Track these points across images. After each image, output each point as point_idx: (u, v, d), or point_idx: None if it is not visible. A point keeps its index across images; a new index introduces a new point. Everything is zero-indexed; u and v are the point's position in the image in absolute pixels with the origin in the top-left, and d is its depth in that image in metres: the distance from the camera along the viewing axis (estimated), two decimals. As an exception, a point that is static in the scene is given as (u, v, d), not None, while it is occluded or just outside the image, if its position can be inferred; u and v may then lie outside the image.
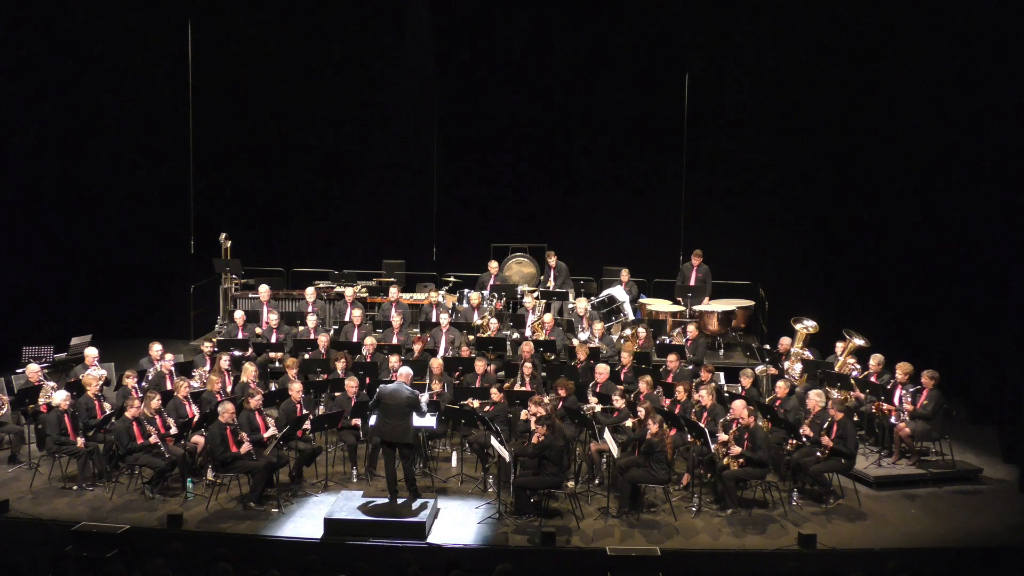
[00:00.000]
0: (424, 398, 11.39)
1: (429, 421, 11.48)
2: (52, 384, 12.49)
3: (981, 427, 13.72)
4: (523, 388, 12.67)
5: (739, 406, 11.07)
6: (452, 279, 16.76)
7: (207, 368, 13.38)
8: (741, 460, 10.96)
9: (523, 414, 11.66)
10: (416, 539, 10.22)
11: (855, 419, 12.40)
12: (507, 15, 17.99)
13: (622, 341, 14.50)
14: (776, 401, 12.29)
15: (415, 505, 10.71)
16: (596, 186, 18.34)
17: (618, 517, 10.84)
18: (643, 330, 14.67)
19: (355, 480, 11.82)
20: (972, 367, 14.54)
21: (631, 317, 15.72)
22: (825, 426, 11.32)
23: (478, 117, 18.38)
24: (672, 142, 17.65)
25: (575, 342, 14.29)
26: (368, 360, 13.51)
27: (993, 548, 10.33)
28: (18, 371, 13.35)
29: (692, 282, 16.28)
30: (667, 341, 14.84)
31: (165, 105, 17.90)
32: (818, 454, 11.28)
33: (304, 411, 11.83)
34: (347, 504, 10.73)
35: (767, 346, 14.66)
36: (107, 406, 12.29)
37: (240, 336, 14.62)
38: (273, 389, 12.80)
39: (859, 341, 13.27)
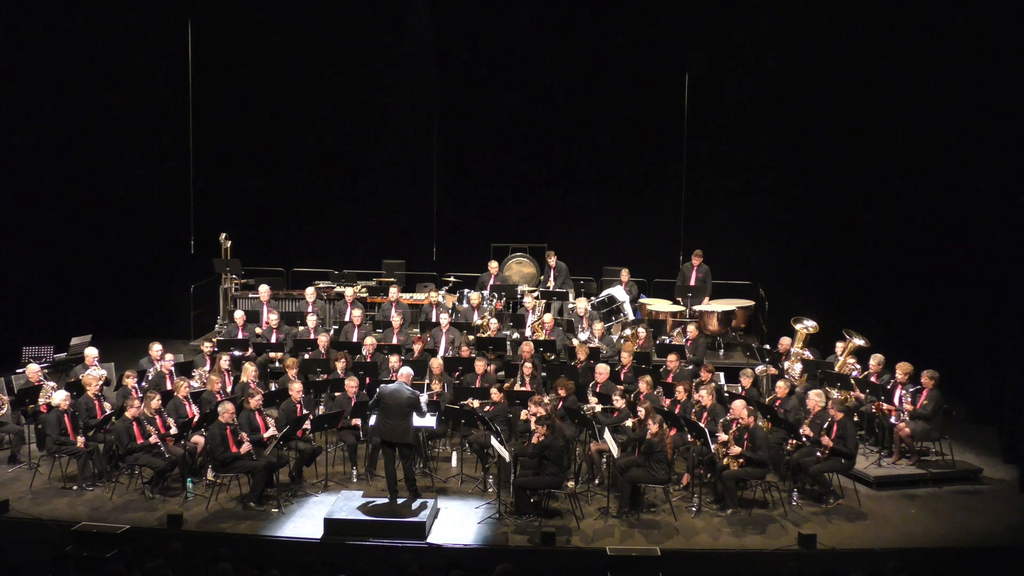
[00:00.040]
0: (424, 398, 11.39)
1: (429, 421, 11.48)
2: (52, 384, 12.49)
3: (981, 427, 13.72)
4: (523, 388, 12.67)
5: (739, 406, 11.07)
6: (452, 279, 16.76)
7: (207, 368, 13.38)
8: (741, 460, 10.96)
9: (523, 414, 11.66)
10: (416, 539, 10.22)
11: (855, 419, 12.40)
12: (507, 15, 17.99)
13: (622, 341, 14.50)
14: (776, 401, 12.29)
15: (415, 505, 10.71)
16: (596, 186, 18.34)
17: (618, 517, 10.84)
18: (643, 330, 14.68)
19: (355, 480, 11.82)
20: (972, 367, 14.53)
21: (631, 317, 15.72)
22: (825, 426, 11.32)
23: (478, 117, 18.38)
24: (672, 142, 17.65)
25: (575, 342, 14.29)
26: (368, 360, 13.51)
27: (993, 548, 10.33)
28: (18, 371, 13.35)
29: (692, 282, 16.28)
30: (667, 341, 14.84)
31: (165, 105, 17.90)
32: (818, 454, 11.28)
33: (304, 411, 11.83)
34: (347, 504, 10.73)
35: (767, 346, 14.66)
36: (107, 406, 12.29)
37: (240, 336, 14.62)
38: (273, 389, 12.80)
39: (859, 341, 13.27)
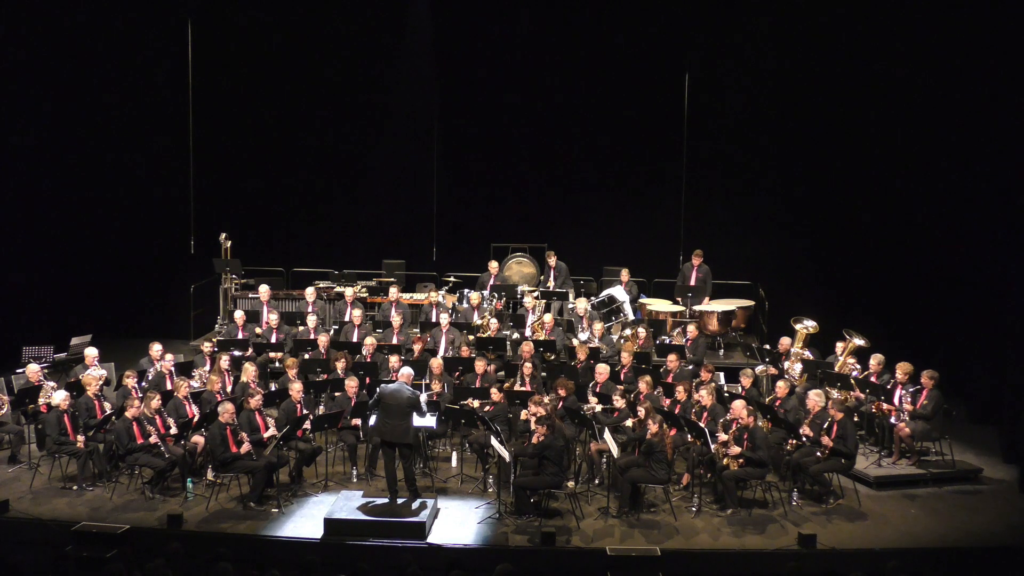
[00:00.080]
0: (423, 397, 11.38)
1: (429, 421, 11.48)
2: (52, 384, 12.49)
3: (981, 427, 13.72)
4: (523, 388, 12.66)
5: (739, 406, 11.07)
6: (452, 279, 16.76)
7: (207, 368, 13.38)
8: (741, 460, 10.96)
9: (523, 414, 11.66)
10: (416, 539, 10.22)
11: (855, 419, 12.39)
12: (507, 15, 17.99)
13: (622, 341, 14.50)
14: (776, 401, 12.29)
15: (415, 505, 10.71)
16: (596, 186, 18.35)
17: (618, 517, 10.84)
18: (643, 330, 14.67)
19: (355, 480, 11.81)
20: (972, 367, 14.54)
21: (631, 317, 15.72)
22: (825, 426, 11.32)
23: (478, 117, 18.38)
24: (672, 142, 17.65)
25: (575, 342, 14.29)
26: (368, 360, 13.51)
27: (993, 548, 10.33)
28: (18, 371, 13.35)
29: (692, 282, 16.28)
30: (667, 341, 14.84)
31: (165, 105, 17.90)
32: (818, 454, 11.28)
33: (304, 411, 11.83)
34: (347, 504, 10.73)
35: (767, 346, 14.66)
36: (107, 406, 12.29)
37: (240, 336, 14.62)
38: (273, 389, 12.80)
39: (859, 341, 13.27)
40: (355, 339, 14.47)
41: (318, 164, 18.70)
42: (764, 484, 11.36)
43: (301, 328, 14.89)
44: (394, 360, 12.93)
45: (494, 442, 10.85)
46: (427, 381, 12.53)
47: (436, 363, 12.87)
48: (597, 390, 12.49)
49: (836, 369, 13.16)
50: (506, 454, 10.84)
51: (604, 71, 17.98)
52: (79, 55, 17.26)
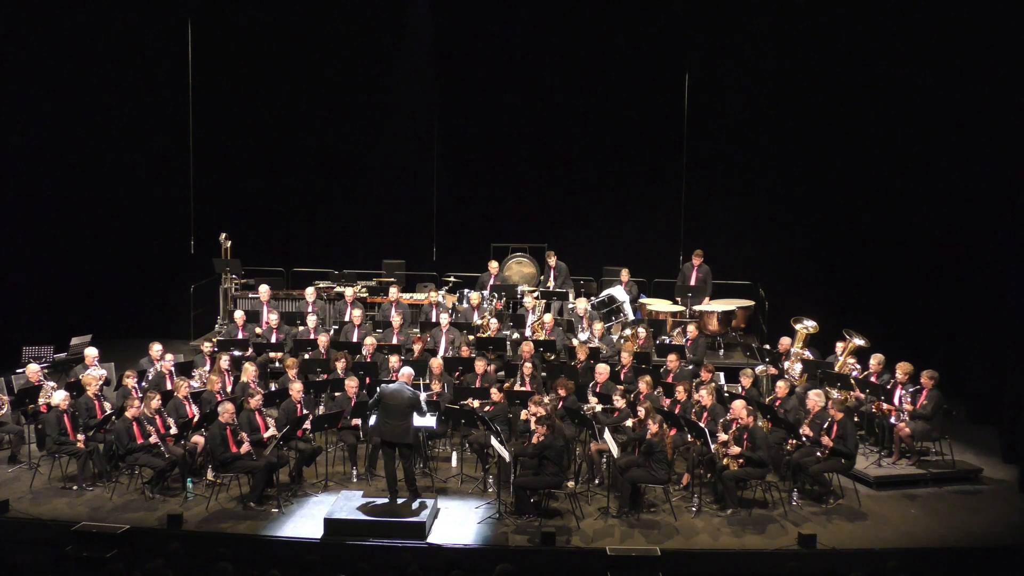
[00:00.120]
0: (423, 396, 11.38)
1: (429, 421, 11.48)
2: (52, 384, 12.49)
3: (981, 427, 13.72)
4: (523, 388, 12.66)
5: (739, 406, 11.07)
6: (452, 279, 16.76)
7: (207, 368, 13.38)
8: (741, 460, 10.95)
9: (523, 414, 11.66)
10: (416, 539, 10.22)
11: (855, 419, 12.39)
12: (507, 15, 17.99)
13: (622, 341, 14.50)
14: (776, 401, 12.29)
15: (415, 505, 10.71)
16: (596, 186, 18.35)
17: (618, 517, 10.84)
18: (643, 330, 14.67)
19: (355, 480, 11.81)
20: (972, 367, 14.54)
21: (631, 317, 15.72)
22: (825, 426, 11.32)
23: (478, 117, 18.38)
24: (672, 142, 17.65)
25: (575, 342, 14.29)
26: (368, 360, 13.51)
27: (993, 548, 10.33)
28: (18, 371, 13.35)
29: (692, 282, 16.28)
30: (667, 341, 14.84)
31: (165, 105, 17.90)
32: (818, 454, 11.28)
33: (304, 411, 11.83)
34: (347, 504, 10.73)
35: (767, 346, 14.66)
36: (107, 406, 12.29)
37: (240, 336, 14.62)
38: (273, 389, 12.80)
39: (859, 341, 13.27)
40: (355, 339, 14.47)
41: (318, 164, 18.70)
42: (764, 484, 11.36)
43: (301, 328, 14.89)
44: (394, 360, 12.93)
45: (494, 442, 10.85)
46: (427, 381, 12.53)
47: (436, 363, 12.87)
48: (597, 390, 12.49)
49: (836, 369, 13.16)
50: (506, 454, 10.83)
51: (604, 71, 17.97)
52: (79, 55, 17.26)
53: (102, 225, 18.02)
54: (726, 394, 12.34)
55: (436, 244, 18.23)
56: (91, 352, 13.22)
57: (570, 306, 15.83)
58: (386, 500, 10.80)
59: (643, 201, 18.03)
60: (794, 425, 11.55)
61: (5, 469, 12.10)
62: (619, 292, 15.86)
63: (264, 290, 15.63)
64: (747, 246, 17.27)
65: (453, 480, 11.94)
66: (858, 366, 13.19)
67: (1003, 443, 12.92)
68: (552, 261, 16.64)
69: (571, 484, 11.36)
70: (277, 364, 14.07)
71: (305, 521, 10.72)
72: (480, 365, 13.04)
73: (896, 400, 12.24)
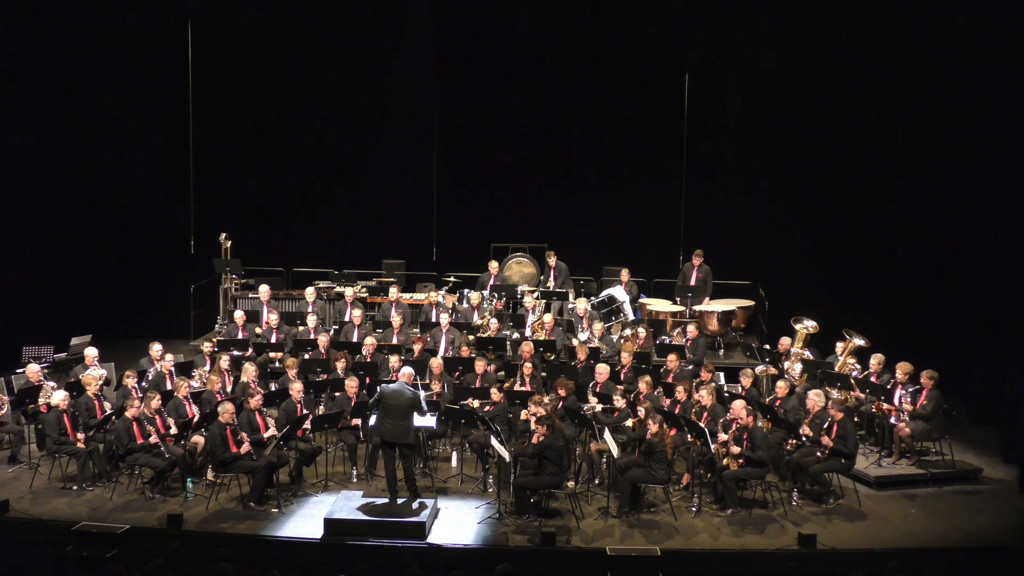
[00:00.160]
0: (423, 395, 11.38)
1: (429, 421, 11.48)
2: (52, 384, 12.49)
3: (981, 427, 13.72)
4: (523, 388, 12.66)
5: (739, 406, 11.06)
6: (452, 279, 16.76)
7: (207, 368, 13.38)
8: (741, 460, 10.95)
9: (523, 414, 11.66)
10: (416, 539, 10.22)
11: (855, 419, 12.39)
12: (507, 15, 17.99)
13: (622, 341, 14.50)
14: (776, 401, 12.29)
15: (415, 505, 10.71)
16: (596, 186, 18.35)
17: (618, 517, 10.84)
18: (643, 330, 14.67)
19: (355, 480, 11.82)
20: (972, 367, 14.54)
21: (631, 317, 15.72)
22: (825, 426, 11.32)
23: (478, 117, 18.37)
24: (672, 142, 17.65)
25: (575, 342, 14.29)
26: (368, 360, 13.51)
27: (993, 548, 10.33)
28: (18, 371, 13.35)
29: (692, 282, 16.28)
30: (667, 341, 14.84)
31: (165, 105, 17.90)
32: (818, 454, 11.28)
33: (304, 411, 11.83)
34: (347, 504, 10.73)
35: (767, 346, 14.66)
36: (107, 406, 12.29)
37: (240, 336, 14.62)
38: (273, 389, 12.80)
39: (859, 341, 13.27)
40: (355, 339, 14.47)
41: (318, 164, 18.70)
42: (764, 484, 11.36)
43: (301, 328, 14.89)
44: (394, 360, 12.94)
45: (494, 442, 10.85)
46: (427, 381, 12.53)
47: (436, 363, 12.87)
48: (597, 390, 12.49)
49: (836, 369, 13.16)
50: (506, 454, 10.83)
51: (604, 71, 17.97)
52: (79, 55, 17.25)
53: (102, 225, 18.01)
54: (726, 394, 12.34)
55: (436, 244, 18.23)
56: (91, 352, 13.23)
57: (570, 306, 15.83)
58: (386, 500, 10.80)
59: (643, 201, 18.02)
60: (794, 425, 11.55)
61: (5, 469, 12.10)
62: (619, 292, 15.86)
63: (264, 290, 15.64)
64: (747, 246, 17.27)
65: (453, 480, 11.94)
66: (858, 366, 13.19)
67: (1003, 443, 12.92)
68: (552, 261, 16.64)
69: (571, 484, 11.36)
70: (277, 364, 14.07)
71: (305, 521, 10.72)
72: (480, 365, 13.04)
73: (896, 400, 12.24)
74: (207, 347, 13.86)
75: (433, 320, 14.89)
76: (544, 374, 13.36)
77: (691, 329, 14.54)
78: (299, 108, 18.49)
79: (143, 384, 12.76)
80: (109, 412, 11.93)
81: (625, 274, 16.34)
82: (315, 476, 11.88)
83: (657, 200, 17.93)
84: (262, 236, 18.29)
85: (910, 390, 12.17)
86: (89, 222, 17.86)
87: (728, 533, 10.57)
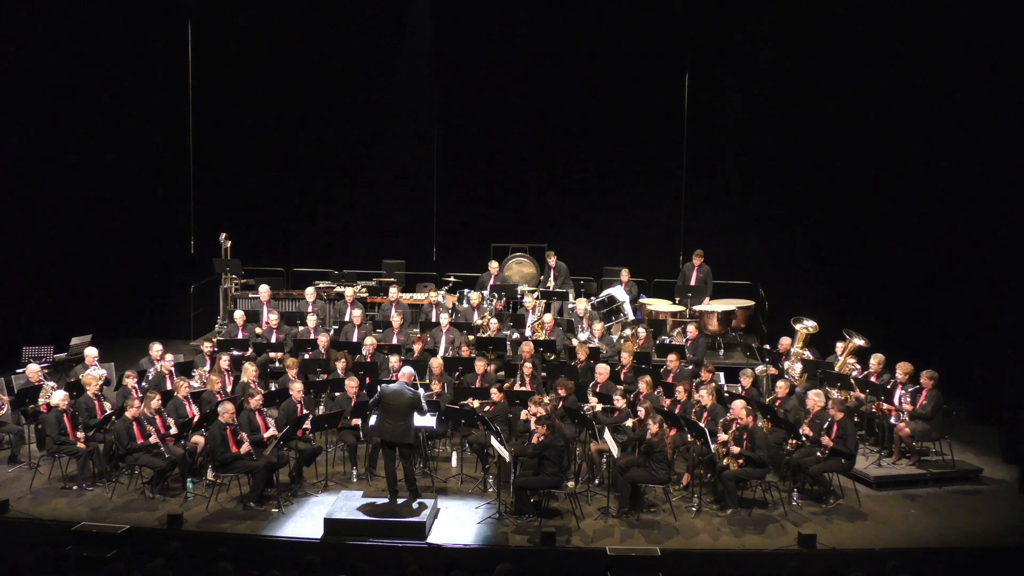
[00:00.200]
0: (423, 395, 11.39)
1: (429, 421, 11.48)
2: (52, 384, 12.49)
3: (981, 427, 13.71)
4: (523, 388, 12.66)
5: (739, 406, 11.06)
6: (452, 279, 16.76)
7: (207, 368, 13.38)
8: (741, 460, 10.95)
9: (523, 414, 11.66)
10: (416, 539, 10.22)
11: (855, 419, 12.39)
12: (507, 15, 17.99)
13: (622, 341, 14.50)
14: (776, 401, 12.29)
15: (415, 505, 10.71)
16: (596, 186, 18.35)
17: (618, 517, 10.84)
18: (643, 330, 14.67)
19: (355, 480, 11.81)
20: (972, 367, 14.54)
21: (631, 317, 15.72)
22: (825, 426, 11.32)
23: (478, 117, 18.38)
24: (672, 142, 17.65)
25: (575, 342, 14.29)
26: (368, 360, 13.51)
27: (993, 548, 10.33)
28: (18, 371, 13.35)
29: (693, 282, 16.28)
30: (667, 341, 14.84)
31: (165, 105, 17.90)
32: (818, 454, 11.28)
33: (304, 411, 11.83)
34: (347, 504, 10.73)
35: (767, 346, 14.66)
36: (107, 406, 12.29)
37: (240, 336, 14.62)
38: (273, 389, 12.80)
39: (859, 341, 13.27)
40: (355, 339, 14.47)
41: (318, 164, 18.70)
42: (764, 484, 11.36)
43: (301, 328, 14.89)
44: (394, 360, 12.94)
45: (494, 442, 10.85)
46: (427, 381, 12.53)
47: (436, 363, 12.87)
48: (597, 390, 12.49)
49: (836, 369, 13.16)
50: (506, 454, 10.83)
51: (604, 71, 17.97)
52: (79, 55, 17.25)
53: (102, 225, 18.00)
54: (726, 394, 12.34)
55: (436, 244, 18.23)
56: (91, 352, 13.23)
57: (570, 306, 15.83)
58: (386, 500, 10.80)
59: (643, 201, 18.02)
60: (794, 425, 11.56)
61: (5, 469, 12.10)
62: (619, 292, 15.86)
63: (264, 290, 15.64)
64: (747, 246, 17.27)
65: (453, 480, 11.94)
66: (858, 366, 13.19)
67: (1003, 443, 12.92)
68: (552, 261, 16.64)
69: (571, 484, 11.36)
70: (277, 364, 14.07)
71: (305, 521, 10.72)
72: (480, 365, 13.04)
73: (896, 400, 12.24)
74: (207, 347, 13.86)
75: (433, 320, 14.89)
76: (544, 374, 13.36)
77: (691, 329, 14.54)
78: (299, 108, 18.48)
79: (143, 384, 12.76)
80: (109, 412, 11.93)
81: (625, 274, 16.34)
82: (315, 476, 11.88)
83: (657, 200, 17.93)
84: (262, 236, 18.29)
85: (910, 390, 12.17)
86: (89, 222, 17.86)
87: (728, 533, 10.57)
